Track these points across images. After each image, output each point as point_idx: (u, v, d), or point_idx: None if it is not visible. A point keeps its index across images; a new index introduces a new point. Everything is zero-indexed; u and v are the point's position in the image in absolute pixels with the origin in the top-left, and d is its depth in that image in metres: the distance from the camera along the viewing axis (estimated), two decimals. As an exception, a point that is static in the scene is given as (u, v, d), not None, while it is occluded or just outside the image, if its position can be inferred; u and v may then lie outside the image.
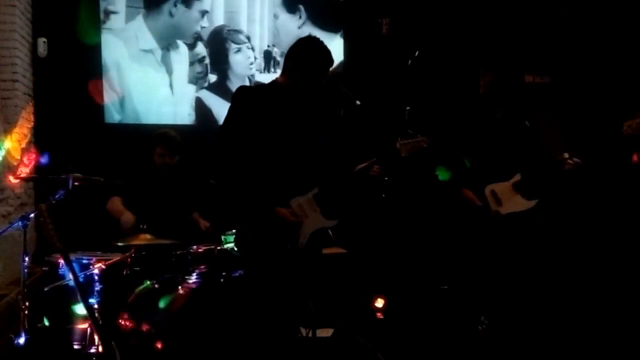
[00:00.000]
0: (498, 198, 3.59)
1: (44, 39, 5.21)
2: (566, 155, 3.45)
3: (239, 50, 5.68)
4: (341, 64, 5.67)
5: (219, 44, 5.66)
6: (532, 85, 5.48)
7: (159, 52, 5.52)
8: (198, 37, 5.60)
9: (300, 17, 5.77)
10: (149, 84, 5.52)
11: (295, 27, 5.72)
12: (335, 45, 5.73)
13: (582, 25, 5.36)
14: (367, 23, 5.71)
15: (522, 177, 3.58)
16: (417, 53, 5.04)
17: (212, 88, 5.64)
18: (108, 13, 5.44)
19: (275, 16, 5.74)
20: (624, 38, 5.21)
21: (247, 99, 3.13)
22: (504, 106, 3.73)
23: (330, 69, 3.20)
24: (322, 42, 3.20)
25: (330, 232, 3.29)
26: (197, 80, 5.61)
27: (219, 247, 3.75)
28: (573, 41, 5.41)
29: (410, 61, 5.06)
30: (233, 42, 5.65)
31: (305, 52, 3.16)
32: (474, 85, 3.83)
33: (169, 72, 5.56)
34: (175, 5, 5.53)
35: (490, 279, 3.63)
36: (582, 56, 5.39)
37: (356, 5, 5.82)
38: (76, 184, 3.57)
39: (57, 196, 3.43)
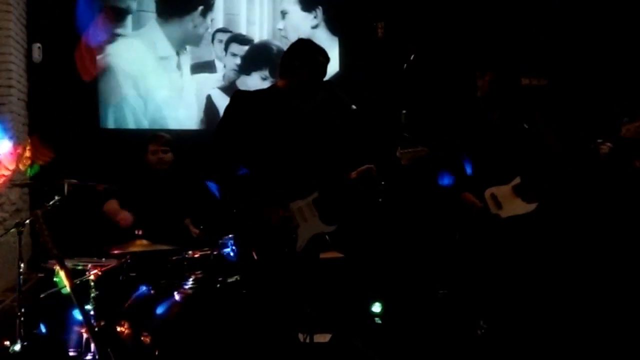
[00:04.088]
0: (498, 201, 3.58)
1: (39, 45, 5.19)
2: (599, 140, 3.44)
3: (260, 77, 5.69)
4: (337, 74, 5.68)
5: (255, 55, 5.66)
6: (528, 88, 5.48)
7: (171, 57, 5.52)
8: (205, 40, 5.59)
9: (315, 17, 5.78)
10: (154, 89, 5.51)
11: (308, 26, 5.74)
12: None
13: (578, 27, 5.37)
14: (363, 27, 5.71)
15: (522, 180, 3.58)
16: (412, 56, 5.04)
17: (224, 89, 5.62)
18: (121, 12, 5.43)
19: (283, 12, 5.73)
20: (621, 40, 5.22)
21: (243, 104, 3.14)
22: (500, 108, 3.72)
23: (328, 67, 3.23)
24: (316, 44, 3.23)
25: (327, 237, 3.28)
26: (201, 85, 5.59)
27: (215, 253, 3.73)
28: (570, 43, 5.41)
29: (405, 64, 5.06)
30: (261, 64, 5.66)
31: (301, 54, 3.18)
32: (470, 88, 3.82)
33: (176, 76, 5.56)
34: (186, 12, 5.53)
35: (489, 283, 3.62)
36: (580, 58, 5.39)
37: (351, 9, 5.82)
38: (71, 189, 3.56)
39: (52, 202, 3.41)
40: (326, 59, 3.21)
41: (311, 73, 3.15)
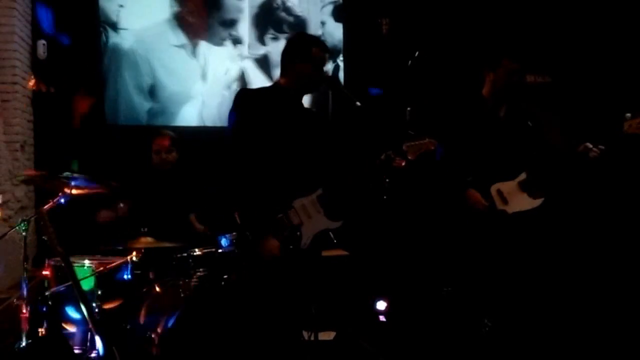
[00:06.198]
0: (504, 197, 3.57)
1: (44, 42, 5.19)
2: (589, 144, 3.44)
3: (275, 38, 5.61)
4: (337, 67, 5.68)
5: (263, 20, 5.63)
6: (532, 85, 5.46)
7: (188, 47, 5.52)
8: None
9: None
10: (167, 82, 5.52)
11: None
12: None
13: (582, 24, 5.35)
14: (367, 23, 5.70)
15: (528, 175, 3.57)
16: (417, 53, 5.03)
17: (259, 63, 5.60)
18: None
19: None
20: (624, 37, 5.20)
21: (247, 102, 3.14)
22: (506, 105, 3.71)
23: (328, 58, 3.22)
24: (310, 36, 3.22)
25: (332, 235, 3.27)
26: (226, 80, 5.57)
27: (219, 250, 3.73)
28: (573, 40, 5.39)
29: (410, 61, 5.05)
30: (273, 27, 5.60)
31: (295, 49, 3.18)
32: (475, 85, 3.81)
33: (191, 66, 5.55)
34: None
35: (494, 281, 3.61)
36: (583, 55, 5.38)
37: (356, 5, 5.81)
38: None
39: (56, 200, 3.41)
40: (323, 50, 3.18)
41: (308, 66, 3.13)
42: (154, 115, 5.48)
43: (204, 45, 5.53)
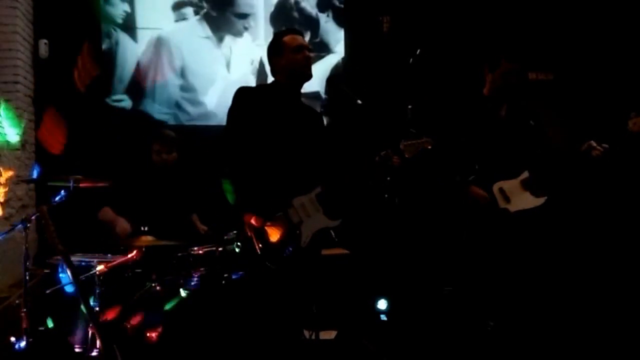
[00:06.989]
0: (506, 195, 3.56)
1: (45, 41, 5.19)
2: (593, 143, 3.43)
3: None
4: (339, 64, 5.67)
5: (277, 17, 5.71)
6: (535, 82, 5.45)
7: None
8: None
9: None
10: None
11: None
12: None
13: (584, 21, 5.34)
14: (368, 21, 5.69)
15: (530, 174, 3.56)
16: (418, 51, 5.02)
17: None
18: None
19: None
20: (627, 34, 5.18)
21: (245, 100, 3.14)
22: (507, 103, 3.70)
23: (308, 47, 3.23)
24: (284, 29, 3.26)
25: (332, 233, 3.26)
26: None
27: (220, 249, 3.73)
28: (576, 37, 5.38)
29: (411, 59, 5.04)
30: (285, 25, 5.59)
31: (270, 47, 3.22)
32: (476, 83, 3.80)
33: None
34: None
35: (496, 280, 3.60)
36: (585, 52, 5.36)
37: (357, 3, 5.80)
38: (78, 186, 3.56)
39: (58, 198, 3.41)
40: (294, 35, 3.21)
41: (286, 56, 3.15)
42: (184, 90, 5.52)
43: (228, 38, 5.63)
